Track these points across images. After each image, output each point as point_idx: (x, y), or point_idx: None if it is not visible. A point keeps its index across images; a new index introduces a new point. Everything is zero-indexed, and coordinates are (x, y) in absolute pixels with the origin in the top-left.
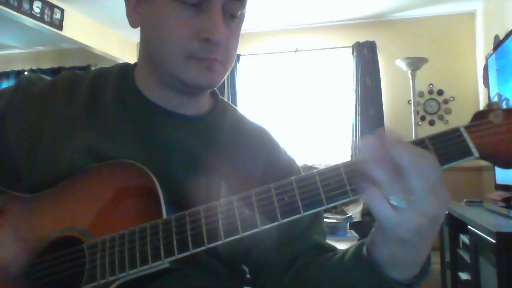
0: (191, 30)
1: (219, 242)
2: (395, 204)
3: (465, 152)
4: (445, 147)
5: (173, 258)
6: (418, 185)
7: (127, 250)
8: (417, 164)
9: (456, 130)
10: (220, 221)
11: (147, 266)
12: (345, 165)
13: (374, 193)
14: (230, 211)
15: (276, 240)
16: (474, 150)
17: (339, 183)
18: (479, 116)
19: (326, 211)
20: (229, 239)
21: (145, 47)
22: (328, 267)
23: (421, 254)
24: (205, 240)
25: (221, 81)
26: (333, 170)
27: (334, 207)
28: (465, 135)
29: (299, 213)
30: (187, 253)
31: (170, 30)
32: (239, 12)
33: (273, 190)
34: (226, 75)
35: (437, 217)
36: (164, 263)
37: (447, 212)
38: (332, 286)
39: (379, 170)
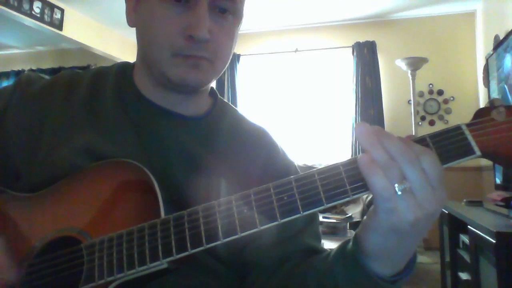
0: (178, 27)
1: (217, 243)
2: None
3: (467, 151)
4: (447, 145)
5: (171, 258)
6: (412, 175)
7: (125, 250)
8: (411, 156)
9: (458, 128)
10: (218, 221)
11: (145, 267)
12: (344, 164)
13: (375, 169)
14: (229, 211)
15: (267, 241)
16: (476, 148)
17: (338, 182)
18: (481, 114)
19: (326, 211)
20: (227, 239)
21: (139, 45)
22: (314, 266)
23: (410, 248)
24: (204, 240)
25: (211, 80)
26: (333, 169)
27: (334, 207)
28: (467, 133)
29: (299, 212)
30: (185, 254)
31: (157, 27)
32: (231, 9)
33: (272, 190)
34: (218, 74)
35: (434, 214)
36: (162, 264)
37: (447, 212)
38: (317, 285)
39: (377, 150)
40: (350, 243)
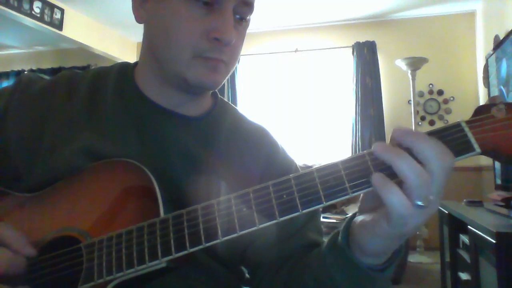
0: (202, 28)
1: (216, 241)
2: (418, 204)
3: (467, 148)
4: (446, 142)
5: (170, 257)
6: (442, 183)
7: (124, 249)
8: (443, 161)
9: (457, 125)
10: (217, 220)
11: (144, 266)
12: (343, 162)
13: (391, 186)
14: (227, 209)
15: (270, 239)
16: (475, 145)
17: (337, 180)
18: (481, 111)
19: (325, 210)
20: (226, 238)
21: (149, 44)
22: (310, 262)
23: (403, 241)
24: (203, 239)
25: (223, 83)
26: (332, 167)
27: (334, 207)
28: (467, 130)
29: (298, 211)
30: (184, 252)
31: (180, 26)
32: (247, 17)
33: (271, 188)
34: (228, 76)
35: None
36: (161, 263)
37: (447, 212)
38: (314, 279)
39: (411, 172)
40: (339, 238)
